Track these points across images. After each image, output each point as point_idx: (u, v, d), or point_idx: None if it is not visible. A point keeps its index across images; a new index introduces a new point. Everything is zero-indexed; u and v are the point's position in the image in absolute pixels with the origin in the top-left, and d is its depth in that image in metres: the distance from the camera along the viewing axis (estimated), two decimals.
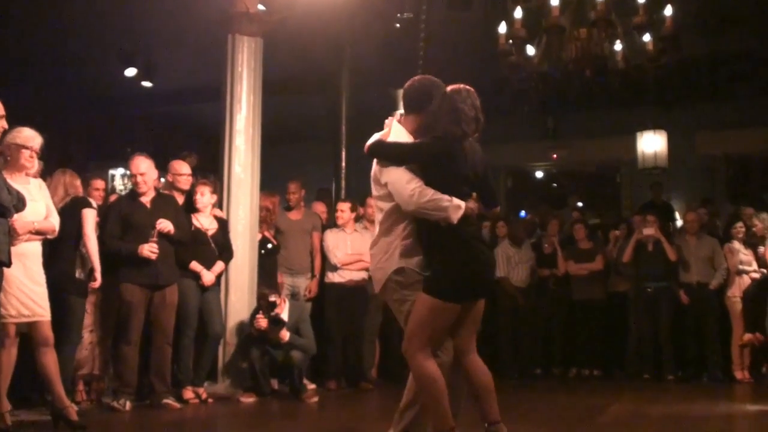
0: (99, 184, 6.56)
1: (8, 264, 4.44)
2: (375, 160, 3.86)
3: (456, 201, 3.67)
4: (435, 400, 3.60)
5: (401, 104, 4.02)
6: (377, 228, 3.92)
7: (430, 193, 3.65)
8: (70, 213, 5.56)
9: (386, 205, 3.82)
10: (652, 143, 11.36)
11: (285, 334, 6.51)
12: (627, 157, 12.39)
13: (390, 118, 3.96)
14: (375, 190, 3.88)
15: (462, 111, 3.75)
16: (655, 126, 11.36)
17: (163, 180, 7.12)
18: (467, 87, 3.85)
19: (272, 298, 6.60)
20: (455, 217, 3.64)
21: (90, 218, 5.71)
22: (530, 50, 7.35)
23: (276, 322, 6.49)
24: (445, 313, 3.68)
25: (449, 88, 3.84)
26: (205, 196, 6.61)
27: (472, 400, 3.83)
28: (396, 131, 3.88)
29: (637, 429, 5.38)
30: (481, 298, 3.86)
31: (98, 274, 5.70)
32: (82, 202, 5.73)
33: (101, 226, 5.95)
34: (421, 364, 3.64)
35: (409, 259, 3.76)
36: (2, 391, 4.84)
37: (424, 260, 3.75)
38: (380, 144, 3.82)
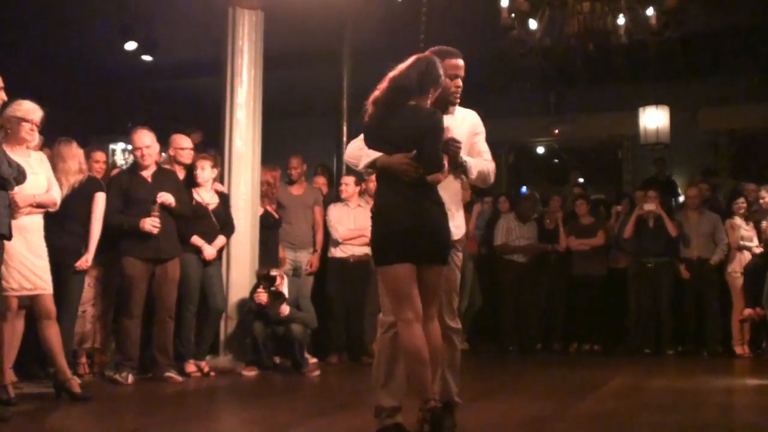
0: (99, 156, 6.56)
1: (9, 237, 4.44)
2: None
3: (368, 152, 3.73)
4: (414, 369, 3.59)
5: None
6: None
7: (355, 144, 3.88)
8: (84, 192, 5.61)
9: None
10: (654, 119, 11.30)
11: (285, 309, 6.53)
12: (629, 133, 12.34)
13: None
14: None
15: (396, 78, 3.77)
16: (657, 101, 11.29)
17: (164, 155, 7.11)
18: (423, 57, 3.82)
19: (273, 273, 6.61)
20: (362, 163, 3.76)
21: (101, 203, 5.77)
22: (533, 24, 7.30)
23: (276, 296, 6.51)
24: (391, 275, 3.65)
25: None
26: (205, 171, 6.60)
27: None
28: None
29: (637, 402, 5.41)
30: (423, 260, 3.67)
31: (90, 256, 5.74)
32: (96, 185, 5.79)
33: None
34: (401, 334, 3.63)
35: None
36: (6, 364, 4.87)
37: None
38: None
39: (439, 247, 3.70)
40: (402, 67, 3.78)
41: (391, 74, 3.78)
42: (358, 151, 3.82)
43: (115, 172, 7.05)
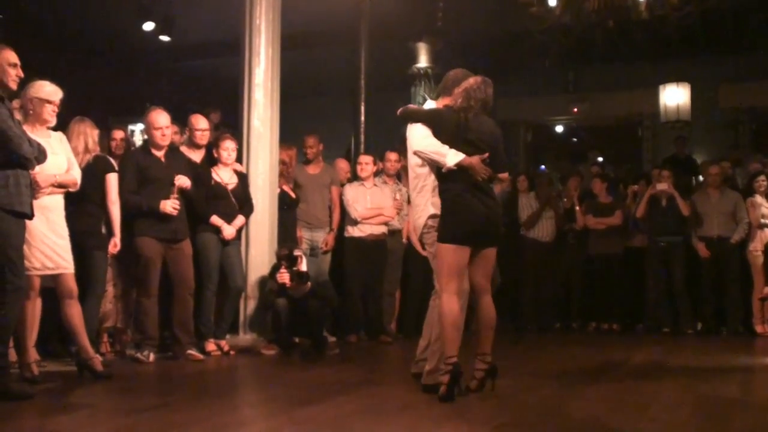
0: (117, 134, 6.55)
1: (31, 216, 4.49)
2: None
3: (455, 151, 4.40)
4: (446, 333, 4.35)
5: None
6: (411, 186, 4.81)
7: (433, 140, 4.47)
8: (93, 172, 5.58)
9: (421, 170, 4.66)
10: (674, 96, 11.20)
11: (308, 287, 6.57)
12: (649, 111, 12.26)
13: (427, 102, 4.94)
14: (412, 159, 4.72)
15: (472, 91, 4.52)
16: (678, 78, 11.18)
17: (184, 135, 7.12)
18: (486, 78, 4.60)
19: (296, 253, 6.63)
20: (451, 162, 4.38)
21: (114, 184, 5.74)
22: (552, 1, 7.24)
23: (300, 277, 6.53)
24: (452, 254, 4.41)
25: (472, 78, 4.61)
26: (232, 152, 6.63)
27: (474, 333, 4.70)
28: (427, 105, 4.85)
29: (657, 381, 5.40)
30: (483, 245, 4.52)
31: (117, 240, 5.75)
32: (106, 165, 5.74)
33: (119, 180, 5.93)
34: (446, 303, 4.37)
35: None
36: (29, 342, 4.94)
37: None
38: (407, 108, 4.83)
39: (495, 234, 4.58)
40: (474, 82, 4.55)
41: (467, 86, 4.53)
42: (439, 147, 4.43)
43: None
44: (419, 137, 4.55)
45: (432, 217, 4.62)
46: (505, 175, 4.79)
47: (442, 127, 4.51)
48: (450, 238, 4.42)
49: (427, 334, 4.75)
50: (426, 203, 4.67)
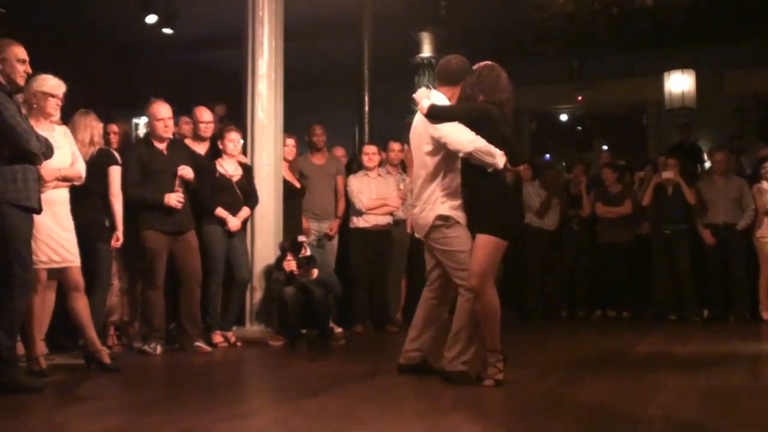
0: (112, 127, 6.54)
1: (39, 211, 4.50)
2: (421, 124, 4.52)
3: (500, 151, 4.32)
4: (496, 325, 4.44)
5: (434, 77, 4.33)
6: (417, 178, 4.61)
7: (482, 140, 4.29)
8: (97, 166, 5.59)
9: (431, 160, 4.49)
10: (679, 83, 11.16)
11: (315, 272, 6.57)
12: (654, 98, 12.22)
13: (423, 89, 4.59)
14: (424, 147, 4.54)
15: (505, 81, 4.41)
16: (683, 65, 11.14)
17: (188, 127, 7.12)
18: (494, 63, 4.44)
19: (300, 239, 6.63)
20: (501, 163, 4.32)
21: (117, 176, 5.74)
22: None
23: (307, 261, 6.53)
24: (501, 249, 4.44)
25: (480, 64, 4.45)
26: (238, 143, 6.62)
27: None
28: (437, 97, 4.51)
29: (664, 368, 5.40)
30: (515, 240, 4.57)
31: (120, 234, 5.75)
32: (109, 158, 5.75)
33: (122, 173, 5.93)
34: (491, 296, 4.42)
35: (452, 203, 4.50)
36: (37, 336, 4.95)
37: (466, 205, 4.48)
38: (437, 106, 4.41)
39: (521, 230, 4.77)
40: (500, 69, 4.43)
41: (498, 77, 4.39)
42: (489, 147, 4.29)
43: None
44: (468, 136, 4.32)
45: (441, 217, 4.50)
46: (521, 168, 4.80)
47: (488, 124, 4.31)
48: (503, 233, 4.39)
49: (423, 325, 4.80)
50: (436, 199, 4.52)
